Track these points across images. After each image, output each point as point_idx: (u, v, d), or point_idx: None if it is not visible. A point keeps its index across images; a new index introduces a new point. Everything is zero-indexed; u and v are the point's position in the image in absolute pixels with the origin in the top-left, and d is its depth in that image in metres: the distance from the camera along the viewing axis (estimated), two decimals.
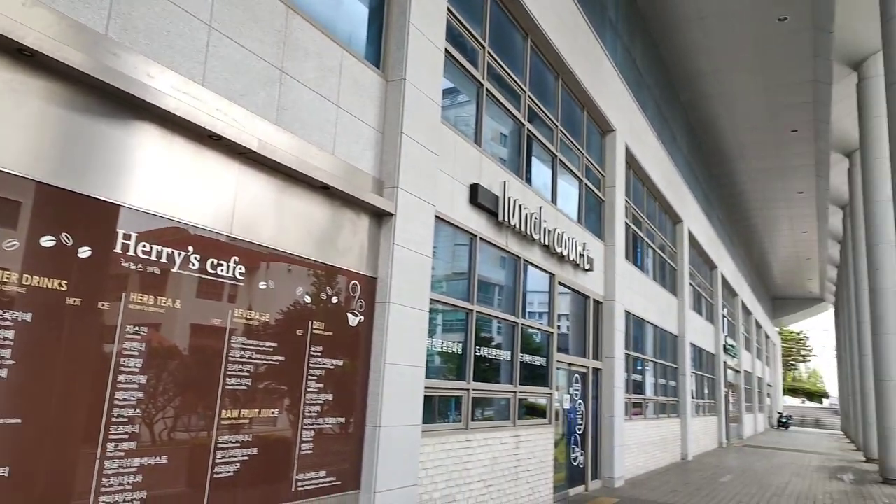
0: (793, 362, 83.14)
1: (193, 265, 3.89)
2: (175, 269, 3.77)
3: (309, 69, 4.92)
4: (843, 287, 29.89)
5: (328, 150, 5.06)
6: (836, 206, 26.08)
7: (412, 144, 5.80)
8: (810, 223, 29.95)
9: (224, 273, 4.10)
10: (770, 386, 43.27)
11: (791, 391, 75.96)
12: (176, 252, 3.78)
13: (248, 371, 4.21)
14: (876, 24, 10.37)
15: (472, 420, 6.97)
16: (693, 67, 16.78)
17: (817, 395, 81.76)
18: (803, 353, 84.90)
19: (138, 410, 3.50)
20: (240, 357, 4.16)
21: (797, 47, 15.25)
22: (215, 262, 4.04)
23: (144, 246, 3.60)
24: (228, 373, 4.07)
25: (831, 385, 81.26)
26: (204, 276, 3.95)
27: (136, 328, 3.52)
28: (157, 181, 3.70)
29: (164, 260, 3.70)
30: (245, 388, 4.18)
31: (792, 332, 78.18)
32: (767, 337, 41.83)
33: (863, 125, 14.89)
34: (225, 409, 4.03)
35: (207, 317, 4.00)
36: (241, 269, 4.21)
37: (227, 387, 4.05)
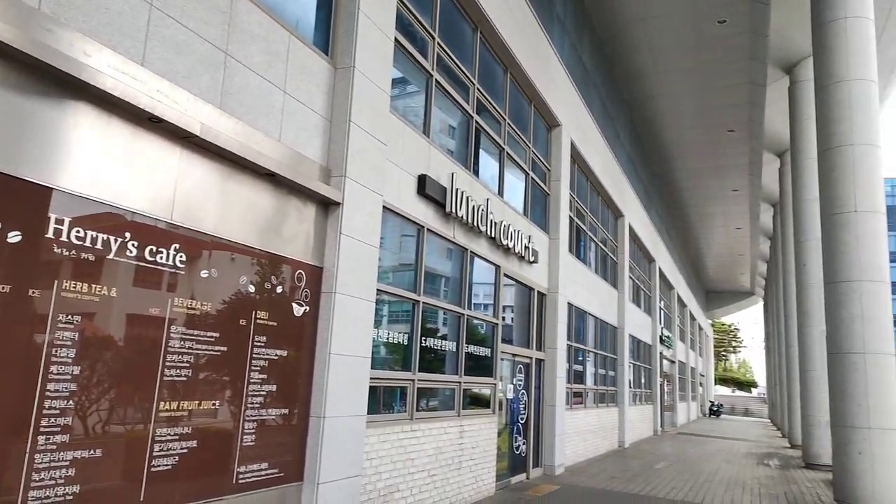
0: (724, 353, 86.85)
1: (131, 252, 3.75)
2: (111, 256, 3.63)
3: (255, 53, 4.80)
4: (773, 281, 31.36)
5: (274, 136, 4.96)
6: (767, 204, 27.32)
7: (360, 133, 5.75)
8: (743, 220, 31.27)
9: (163, 261, 3.97)
10: (703, 376, 45.09)
11: (722, 381, 79.31)
12: (112, 238, 3.64)
13: (188, 362, 4.10)
14: (808, 30, 10.87)
15: (418, 410, 7.00)
16: (636, 67, 17.20)
17: (747, 385, 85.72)
18: (734, 344, 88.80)
19: (71, 402, 3.37)
20: (179, 347, 4.05)
21: (735, 50, 15.83)
22: (154, 249, 3.91)
23: (78, 231, 3.45)
24: (167, 363, 3.96)
25: (760, 375, 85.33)
26: (142, 264, 3.82)
27: (69, 317, 3.38)
28: (92, 164, 3.55)
29: (99, 246, 3.56)
30: (185, 379, 4.08)
31: (724, 325, 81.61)
32: (701, 329, 43.53)
33: (793, 127, 15.60)
34: (163, 400, 3.92)
35: (145, 306, 3.87)
36: (181, 256, 4.09)
37: (165, 378, 3.94)
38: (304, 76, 5.33)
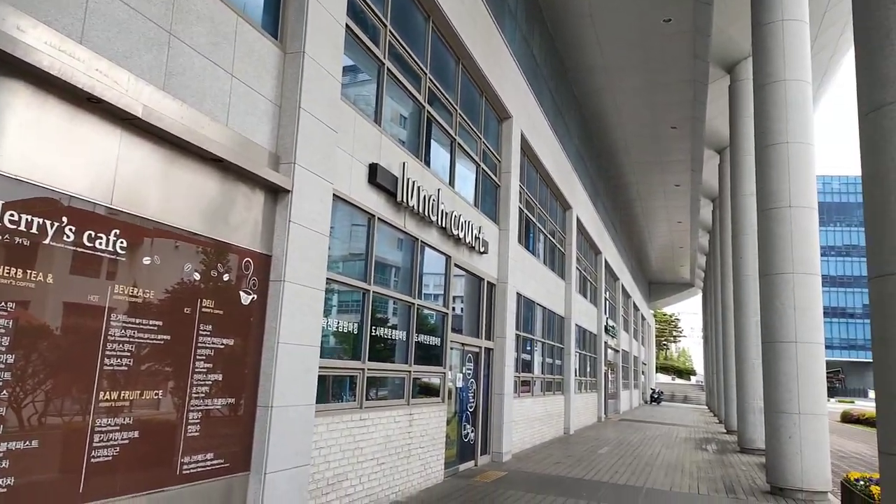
0: (665, 342, 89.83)
1: (68, 237, 3.61)
2: (47, 241, 3.49)
3: (200, 34, 4.67)
4: (711, 274, 32.54)
5: (221, 120, 4.84)
6: (707, 199, 28.31)
7: (310, 120, 5.67)
8: (685, 214, 32.32)
9: (103, 247, 3.84)
10: (644, 364, 46.53)
11: (663, 369, 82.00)
12: (48, 222, 3.50)
13: (129, 351, 3.98)
14: (748, 31, 11.29)
15: (367, 399, 6.99)
16: (585, 62, 17.50)
17: (686, 373, 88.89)
18: (674, 334, 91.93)
19: (5, 393, 3.23)
20: (120, 336, 3.93)
21: (679, 48, 16.29)
22: (93, 234, 3.77)
23: (12, 215, 3.30)
24: (107, 352, 3.84)
25: (698, 363, 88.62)
26: (80, 250, 3.68)
27: (3, 304, 3.23)
28: (27, 145, 3.39)
29: (34, 231, 3.41)
30: (126, 368, 3.96)
31: (665, 315, 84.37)
32: (644, 319, 44.87)
33: (733, 124, 16.19)
34: (103, 390, 3.80)
35: (84, 293, 3.74)
36: (122, 242, 3.96)
37: (105, 367, 3.82)
38: (252, 59, 5.22)
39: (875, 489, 5.82)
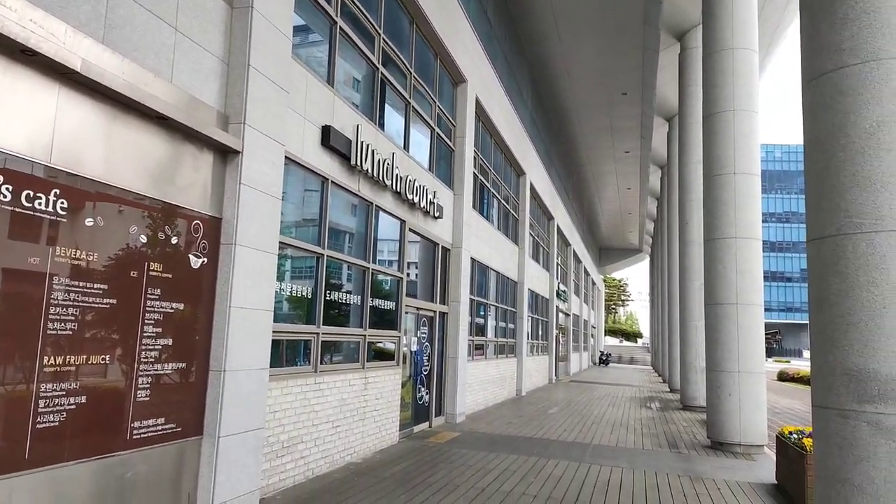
0: (614, 306, 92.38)
1: (5, 197, 3.44)
2: None
3: None
4: (658, 239, 33.47)
5: (165, 77, 4.65)
6: (656, 166, 28.90)
7: (260, 79, 5.51)
8: (634, 181, 32.96)
9: (42, 207, 3.67)
10: (594, 328, 47.84)
11: (611, 332, 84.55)
12: None
13: (73, 315, 3.86)
14: None
15: (322, 363, 6.99)
16: (538, 26, 17.43)
17: (633, 336, 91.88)
18: (623, 298, 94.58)
19: None
20: (64, 300, 3.80)
21: (630, 14, 16.38)
22: (31, 194, 3.61)
23: None
24: (51, 317, 3.71)
25: (644, 326, 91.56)
26: (18, 210, 3.52)
27: None
28: None
29: None
30: (70, 333, 3.84)
31: (614, 280, 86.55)
32: (594, 284, 45.93)
33: (682, 92, 16.48)
34: (47, 355, 3.68)
35: (23, 255, 3.58)
36: (62, 203, 3.80)
37: (49, 332, 3.70)
38: (197, 13, 5.00)
39: (807, 441, 6.17)
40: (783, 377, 32.25)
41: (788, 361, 58.62)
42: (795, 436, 6.68)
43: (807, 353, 71.50)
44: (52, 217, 3.74)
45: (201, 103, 5.01)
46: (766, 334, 10.39)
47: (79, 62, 3.75)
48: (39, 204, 3.66)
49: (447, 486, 6.65)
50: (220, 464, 5.01)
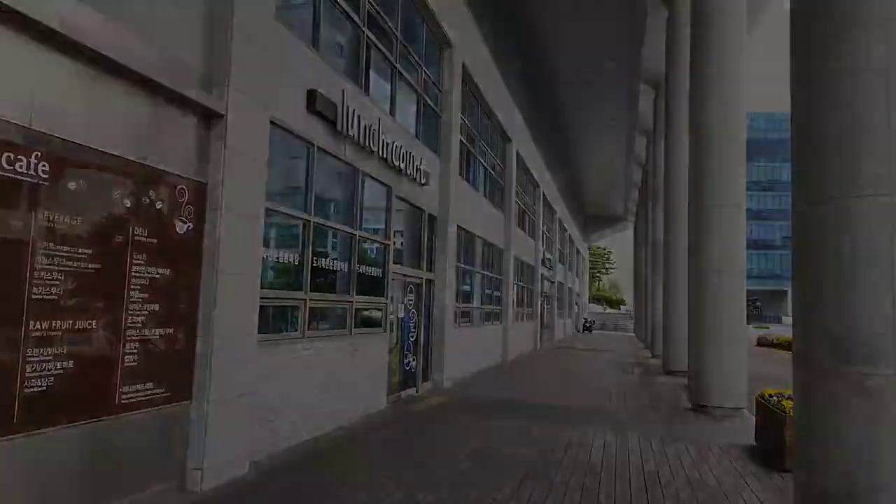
0: (598, 274, 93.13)
1: None
2: None
3: None
4: (643, 208, 33.60)
5: (147, 38, 4.52)
6: (641, 135, 28.85)
7: (245, 42, 5.38)
8: (619, 149, 32.92)
9: (24, 170, 3.60)
10: (578, 295, 48.28)
11: (595, 299, 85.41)
12: None
13: (57, 279, 3.82)
14: None
15: (310, 329, 7.00)
16: None
17: (616, 303, 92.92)
18: (607, 266, 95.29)
19: None
20: (48, 264, 3.75)
21: None
22: (12, 157, 3.54)
23: None
24: (35, 281, 3.67)
25: (628, 294, 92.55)
26: None
27: None
28: None
29: None
30: (56, 298, 3.80)
31: (598, 248, 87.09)
32: (578, 252, 46.23)
33: (669, 59, 16.34)
34: (33, 320, 3.65)
35: (6, 219, 3.53)
36: (44, 166, 3.73)
37: (34, 297, 3.66)
38: None
39: (787, 403, 6.32)
40: (763, 343, 32.92)
41: (768, 328, 59.69)
42: (775, 398, 6.84)
43: (786, 320, 72.81)
44: (34, 180, 3.67)
45: (185, 65, 4.90)
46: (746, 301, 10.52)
47: (57, 21, 3.64)
48: (20, 166, 3.59)
49: (434, 449, 6.76)
50: (210, 428, 5.04)
